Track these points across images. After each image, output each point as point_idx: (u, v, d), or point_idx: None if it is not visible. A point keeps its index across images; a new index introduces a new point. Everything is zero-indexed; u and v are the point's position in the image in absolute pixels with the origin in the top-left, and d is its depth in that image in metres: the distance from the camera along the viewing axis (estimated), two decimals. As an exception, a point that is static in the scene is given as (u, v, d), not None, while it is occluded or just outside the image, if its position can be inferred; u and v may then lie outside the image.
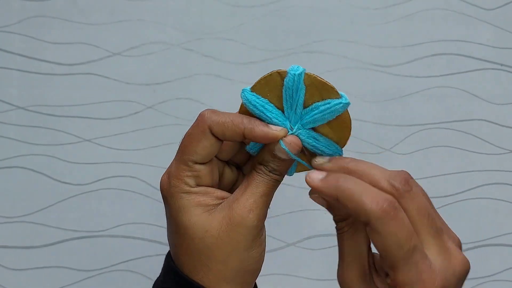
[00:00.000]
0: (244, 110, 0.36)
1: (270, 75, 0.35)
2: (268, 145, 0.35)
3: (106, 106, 0.65)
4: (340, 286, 0.34)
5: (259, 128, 0.34)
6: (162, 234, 0.64)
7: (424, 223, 0.31)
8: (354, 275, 0.33)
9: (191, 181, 0.34)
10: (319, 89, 0.34)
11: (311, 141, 0.36)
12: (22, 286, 0.64)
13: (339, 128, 0.36)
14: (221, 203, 0.35)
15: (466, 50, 0.66)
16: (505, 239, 0.64)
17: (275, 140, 0.34)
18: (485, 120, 0.65)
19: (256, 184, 0.34)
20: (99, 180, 0.65)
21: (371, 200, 0.29)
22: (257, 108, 0.35)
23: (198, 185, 0.35)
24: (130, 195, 0.64)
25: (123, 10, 0.66)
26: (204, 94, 0.65)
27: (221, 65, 0.66)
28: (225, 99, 0.65)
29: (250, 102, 0.35)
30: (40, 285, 0.64)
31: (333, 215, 0.35)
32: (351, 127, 0.35)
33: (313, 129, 0.36)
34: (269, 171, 0.35)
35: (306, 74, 0.34)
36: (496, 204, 0.64)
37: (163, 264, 0.38)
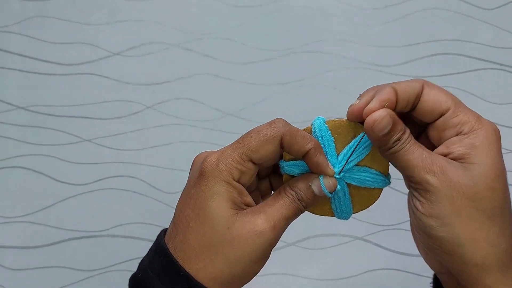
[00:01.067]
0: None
1: (354, 123, 0.37)
2: (308, 176, 0.37)
3: (106, 106, 0.65)
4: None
5: (321, 157, 0.36)
6: (162, 234, 0.64)
7: (455, 97, 0.36)
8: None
9: (236, 174, 0.35)
10: (377, 159, 0.37)
11: (341, 194, 0.38)
12: (22, 286, 0.64)
13: (364, 199, 0.38)
14: (246, 209, 0.36)
15: (466, 50, 0.66)
16: (505, 239, 0.64)
17: (321, 174, 0.36)
18: (485, 120, 0.65)
19: (283, 205, 0.36)
20: (99, 180, 0.65)
21: (411, 81, 0.36)
22: (322, 140, 0.37)
23: (239, 181, 0.36)
24: (130, 195, 0.65)
25: (123, 10, 0.66)
26: (204, 94, 0.65)
27: (221, 65, 0.66)
28: (225, 99, 0.65)
29: (320, 131, 0.37)
30: (40, 285, 0.64)
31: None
32: (370, 205, 0.39)
33: (347, 184, 0.38)
34: (298, 199, 0.36)
35: None
36: (496, 204, 0.64)
37: (154, 244, 0.38)
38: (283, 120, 0.36)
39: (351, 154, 0.37)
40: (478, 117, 0.35)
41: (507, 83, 0.66)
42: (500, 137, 0.35)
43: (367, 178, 0.37)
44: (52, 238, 0.64)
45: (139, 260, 0.37)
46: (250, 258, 0.35)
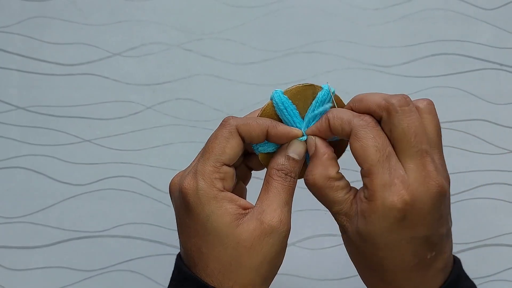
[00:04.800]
0: (266, 114, 0.38)
1: (309, 85, 0.38)
2: (281, 149, 0.37)
3: (106, 106, 0.65)
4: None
5: (281, 126, 0.37)
6: (162, 234, 0.64)
7: (409, 141, 0.33)
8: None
9: (219, 184, 0.35)
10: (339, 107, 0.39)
11: None
12: (22, 286, 0.64)
13: (336, 149, 0.39)
14: (246, 213, 0.36)
15: (466, 50, 0.66)
16: (505, 239, 0.64)
17: (294, 139, 0.37)
18: (485, 120, 0.65)
19: (278, 192, 0.36)
20: (99, 180, 0.65)
21: (353, 115, 0.35)
22: (287, 111, 0.38)
23: (224, 188, 0.35)
24: (130, 195, 0.65)
25: (123, 10, 0.66)
26: (204, 95, 0.65)
27: (221, 66, 0.66)
28: (225, 100, 0.65)
29: (282, 103, 0.37)
30: (40, 285, 0.64)
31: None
32: (343, 153, 0.40)
33: None
34: (285, 174, 0.36)
35: (335, 95, 0.39)
36: (496, 204, 0.64)
37: (177, 275, 0.37)
38: (232, 116, 0.37)
39: (315, 114, 0.38)
40: (382, 188, 0.33)
41: (507, 83, 0.66)
42: (400, 210, 0.32)
43: None
44: (52, 238, 0.64)
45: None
46: (271, 256, 0.35)
